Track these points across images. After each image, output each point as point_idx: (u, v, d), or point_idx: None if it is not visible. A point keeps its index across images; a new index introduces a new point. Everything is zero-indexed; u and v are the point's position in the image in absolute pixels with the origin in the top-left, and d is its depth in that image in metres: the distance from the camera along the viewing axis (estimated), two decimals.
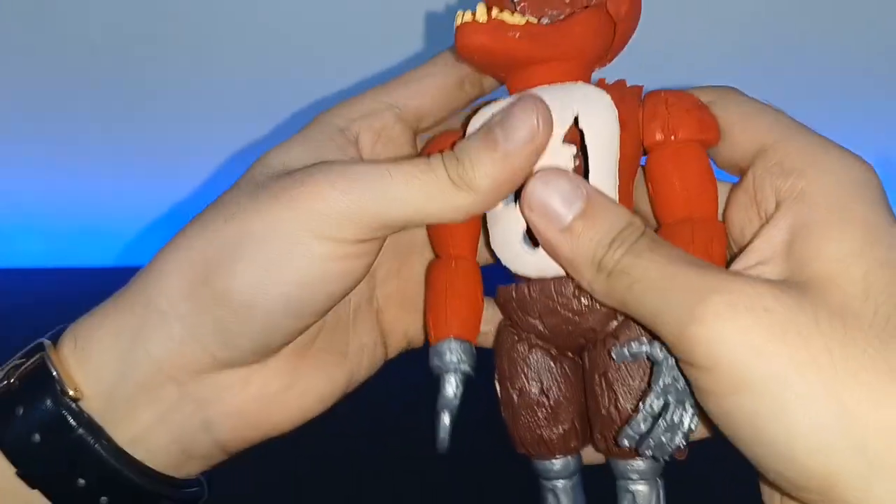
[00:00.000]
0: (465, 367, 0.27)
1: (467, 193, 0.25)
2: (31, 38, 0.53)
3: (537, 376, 0.28)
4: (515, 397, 0.28)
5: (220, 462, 0.28)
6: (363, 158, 0.28)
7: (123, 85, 0.55)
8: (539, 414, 0.27)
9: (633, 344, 0.25)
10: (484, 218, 0.28)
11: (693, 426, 0.24)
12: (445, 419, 0.27)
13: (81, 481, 0.25)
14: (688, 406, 0.24)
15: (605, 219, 0.24)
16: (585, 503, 0.28)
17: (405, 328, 0.31)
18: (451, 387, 0.27)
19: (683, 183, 0.26)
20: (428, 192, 0.25)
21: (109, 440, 0.26)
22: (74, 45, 0.53)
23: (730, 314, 0.21)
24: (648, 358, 0.25)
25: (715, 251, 0.25)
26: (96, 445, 0.25)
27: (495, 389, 0.29)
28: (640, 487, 0.26)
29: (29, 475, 0.25)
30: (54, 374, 0.25)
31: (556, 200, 0.25)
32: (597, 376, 0.26)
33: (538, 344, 0.28)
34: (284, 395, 0.28)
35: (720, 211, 0.27)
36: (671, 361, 0.24)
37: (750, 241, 0.25)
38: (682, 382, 0.24)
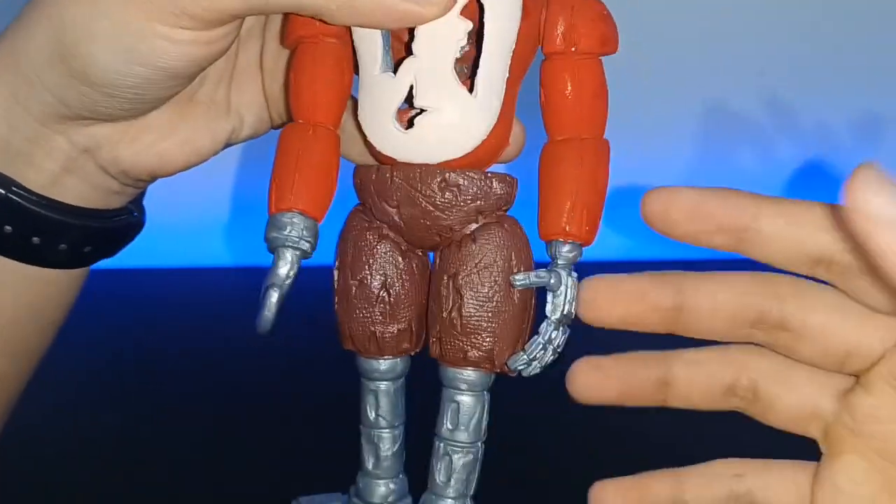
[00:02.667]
0: (306, 246, 0.24)
1: None
2: None
3: (382, 269, 0.25)
4: (354, 288, 0.25)
5: (144, 188, 0.31)
6: None
7: None
8: (376, 309, 0.25)
9: (535, 273, 0.24)
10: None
11: (563, 343, 0.24)
12: (273, 297, 0.24)
13: (8, 228, 0.27)
14: (567, 329, 0.25)
15: None
16: (404, 407, 0.27)
17: (281, 110, 0.30)
18: (286, 265, 0.24)
19: (577, 99, 0.25)
20: None
21: (23, 188, 0.27)
22: None
23: None
24: (546, 287, 0.24)
25: (600, 176, 0.25)
26: (9, 194, 0.27)
27: (332, 276, 0.26)
28: (467, 398, 0.25)
29: None
30: None
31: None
32: (446, 277, 0.25)
33: (388, 235, 0.26)
34: (163, 145, 0.28)
35: None
36: (569, 294, 0.24)
37: None
38: (573, 310, 0.24)
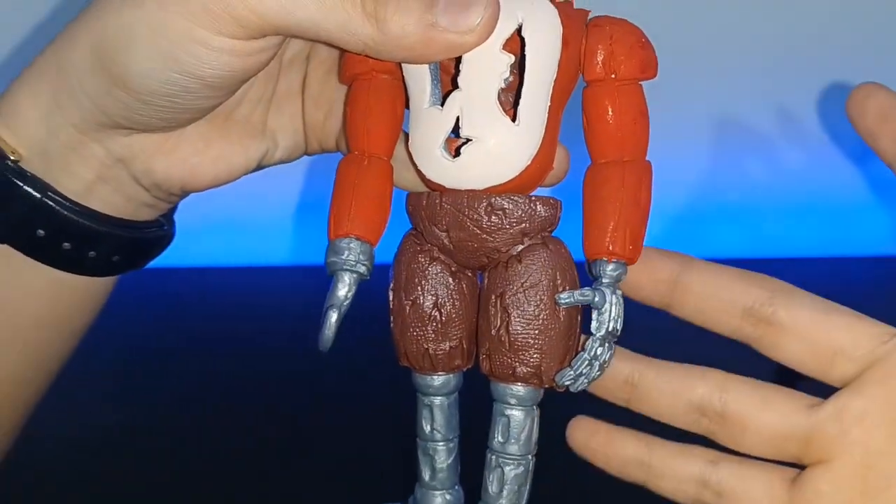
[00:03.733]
0: (362, 269, 0.26)
1: (372, 29, 0.24)
2: None
3: (433, 290, 0.27)
4: (408, 308, 0.27)
5: (175, 203, 0.32)
6: None
7: None
8: (429, 328, 0.27)
9: (579, 292, 0.25)
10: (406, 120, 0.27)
11: (609, 359, 0.25)
12: (332, 317, 0.25)
13: (41, 232, 0.28)
14: (613, 346, 0.26)
15: None
16: (459, 421, 0.28)
17: (321, 137, 0.31)
18: (345, 287, 0.26)
19: (618, 123, 0.26)
20: (327, 4, 0.24)
21: (58, 193, 0.28)
22: None
23: None
24: (591, 305, 0.25)
25: (642, 197, 0.26)
26: (45, 198, 0.28)
27: (387, 298, 0.28)
28: (517, 413, 0.26)
29: None
30: None
31: None
32: (493, 297, 0.26)
33: (439, 258, 0.27)
34: (196, 159, 0.29)
35: None
36: (614, 311, 0.25)
37: None
38: (619, 326, 0.25)
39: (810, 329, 0.25)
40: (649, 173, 0.26)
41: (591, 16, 0.26)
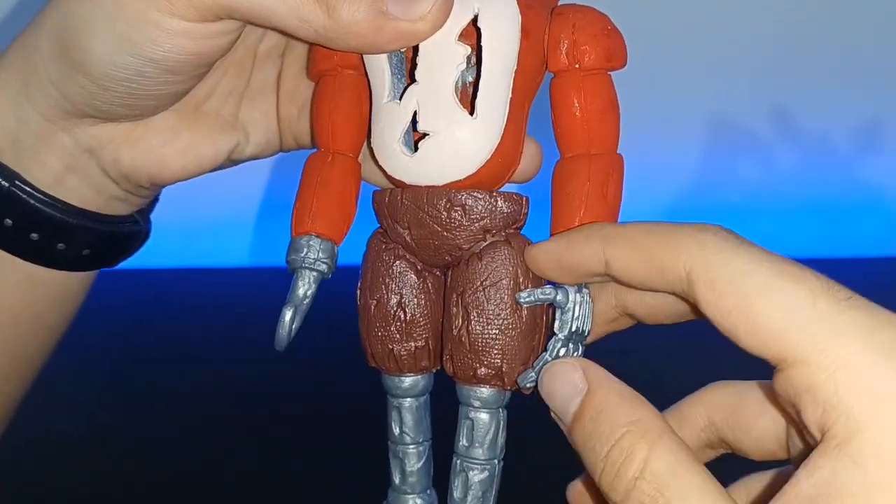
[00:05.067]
0: (322, 267, 0.26)
1: (323, 15, 0.24)
2: None
3: (398, 289, 0.26)
4: (372, 307, 0.26)
5: (150, 197, 0.31)
6: None
7: None
8: (393, 327, 0.26)
9: (540, 290, 0.24)
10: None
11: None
12: (287, 315, 0.25)
13: (8, 221, 0.28)
14: (580, 346, 0.24)
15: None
16: (430, 423, 0.28)
17: (296, 133, 0.31)
18: (304, 285, 0.26)
19: (585, 116, 0.25)
20: None
21: (27, 183, 0.28)
22: None
23: None
24: (552, 305, 0.24)
25: (610, 191, 0.25)
26: (13, 188, 0.28)
27: (356, 297, 0.27)
28: (482, 415, 0.25)
29: None
30: None
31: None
32: (455, 296, 0.25)
33: (404, 256, 0.26)
34: (164, 150, 0.29)
35: None
36: (578, 310, 0.24)
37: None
38: (586, 327, 0.24)
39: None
40: (619, 167, 0.25)
41: (562, 2, 0.25)
